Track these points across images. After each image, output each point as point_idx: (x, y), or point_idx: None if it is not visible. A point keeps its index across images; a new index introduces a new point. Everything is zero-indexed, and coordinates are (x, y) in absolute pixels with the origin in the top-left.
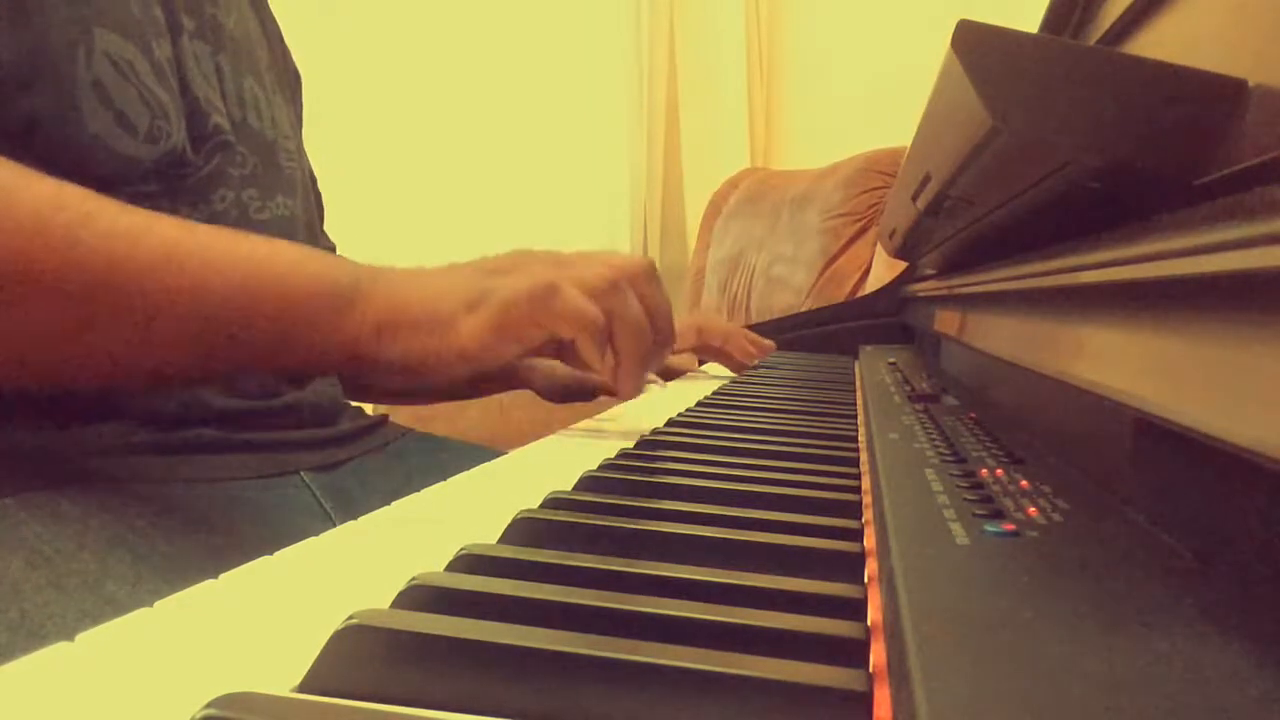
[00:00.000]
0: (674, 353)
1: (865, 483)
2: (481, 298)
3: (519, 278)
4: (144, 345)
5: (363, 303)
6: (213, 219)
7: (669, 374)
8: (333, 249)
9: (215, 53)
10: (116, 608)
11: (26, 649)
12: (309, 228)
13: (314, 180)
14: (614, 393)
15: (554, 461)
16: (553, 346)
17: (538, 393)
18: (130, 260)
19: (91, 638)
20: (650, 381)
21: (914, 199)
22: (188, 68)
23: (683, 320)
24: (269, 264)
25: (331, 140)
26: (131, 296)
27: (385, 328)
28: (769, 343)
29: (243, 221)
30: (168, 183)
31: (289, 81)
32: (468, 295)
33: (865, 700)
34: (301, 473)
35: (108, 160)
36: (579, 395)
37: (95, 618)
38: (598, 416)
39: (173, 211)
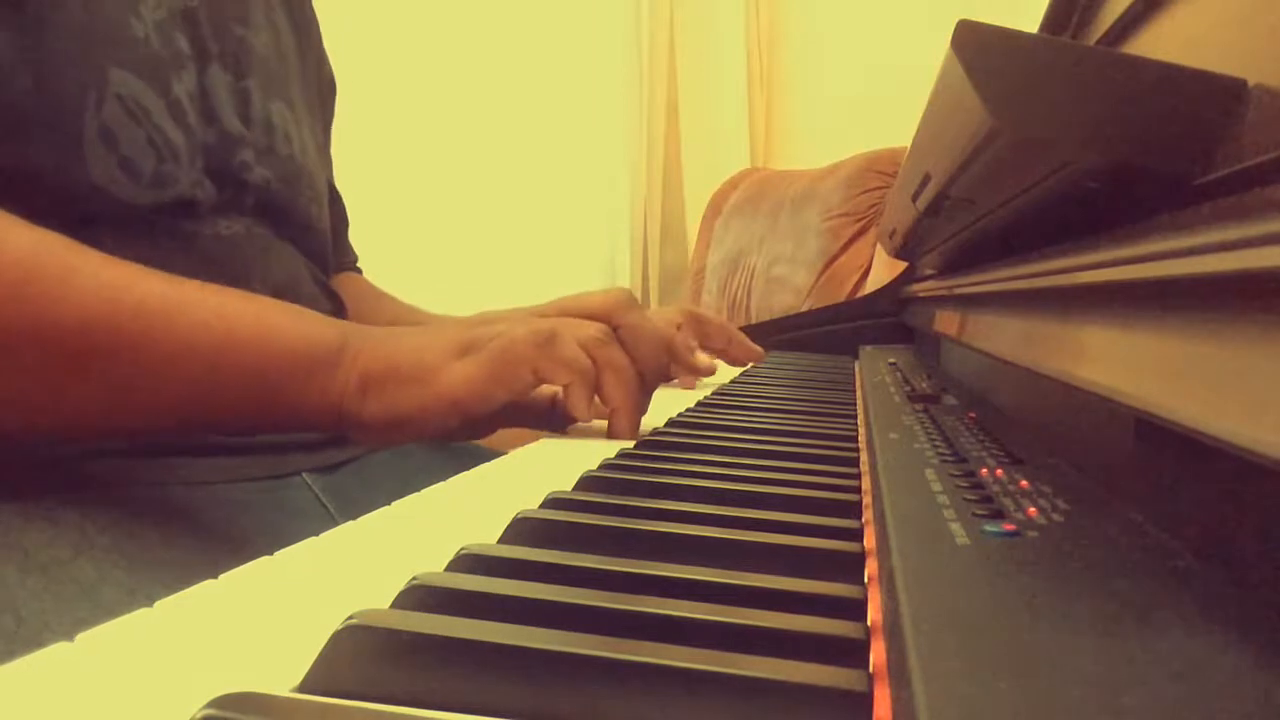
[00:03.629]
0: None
1: (865, 483)
2: (472, 345)
3: (514, 325)
4: (127, 402)
5: (348, 359)
6: (205, 255)
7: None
8: (355, 260)
9: (240, 79)
10: (114, 615)
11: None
12: (319, 259)
13: (336, 195)
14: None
15: (554, 461)
16: (540, 404)
17: (519, 420)
18: (113, 318)
19: (91, 638)
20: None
21: (914, 199)
22: (216, 97)
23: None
24: (257, 322)
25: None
26: (115, 354)
27: (370, 383)
28: (758, 349)
29: (234, 256)
30: (167, 219)
31: (322, 93)
32: (456, 344)
33: (865, 700)
34: (303, 474)
35: (105, 206)
36: (556, 422)
37: (92, 625)
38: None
39: (155, 245)
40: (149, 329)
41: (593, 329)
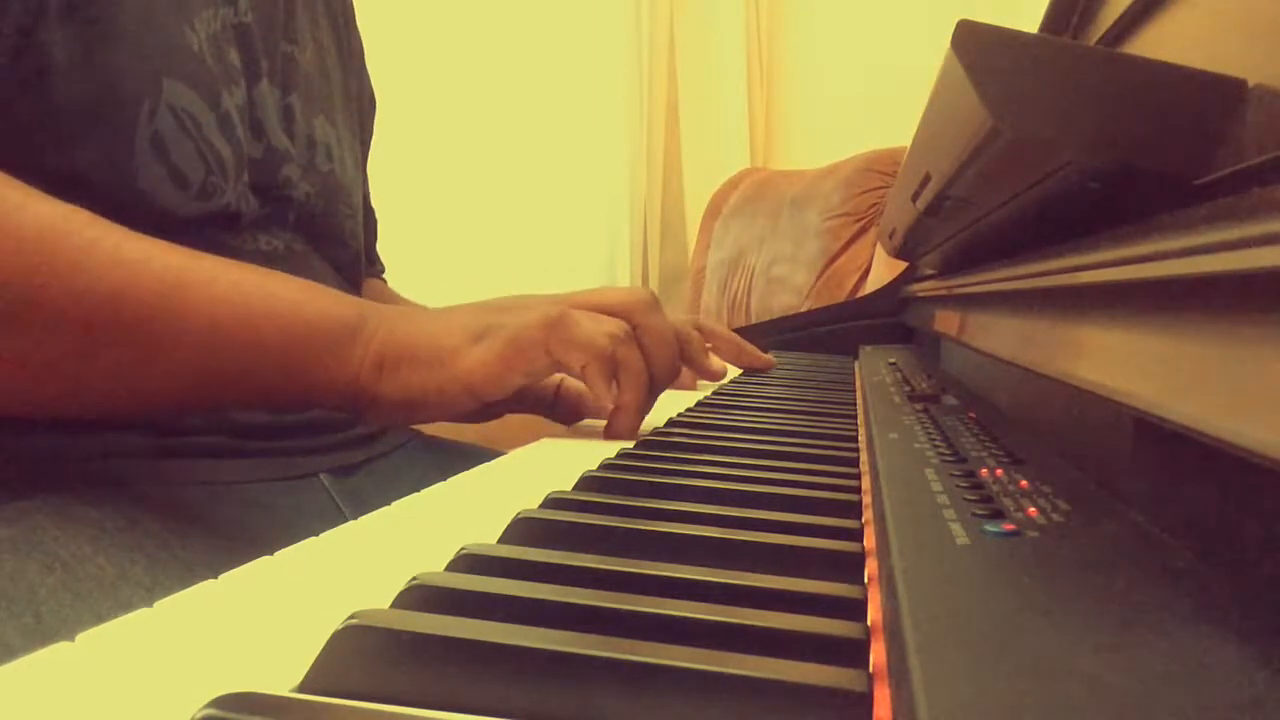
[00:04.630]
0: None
1: (865, 483)
2: (488, 331)
3: (528, 311)
4: (144, 376)
5: (365, 339)
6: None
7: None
8: (382, 270)
9: (286, 94)
10: (132, 611)
11: None
12: (351, 270)
13: (370, 209)
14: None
15: (554, 461)
16: (549, 393)
17: (531, 407)
18: (134, 290)
19: (91, 637)
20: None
21: (914, 199)
22: (265, 112)
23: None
24: (274, 298)
25: None
26: (134, 327)
27: (386, 363)
28: (769, 358)
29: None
30: (211, 230)
31: (362, 109)
32: (472, 329)
33: (865, 700)
34: (319, 475)
35: (151, 215)
36: (566, 414)
37: (108, 622)
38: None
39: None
40: (167, 302)
41: (610, 324)
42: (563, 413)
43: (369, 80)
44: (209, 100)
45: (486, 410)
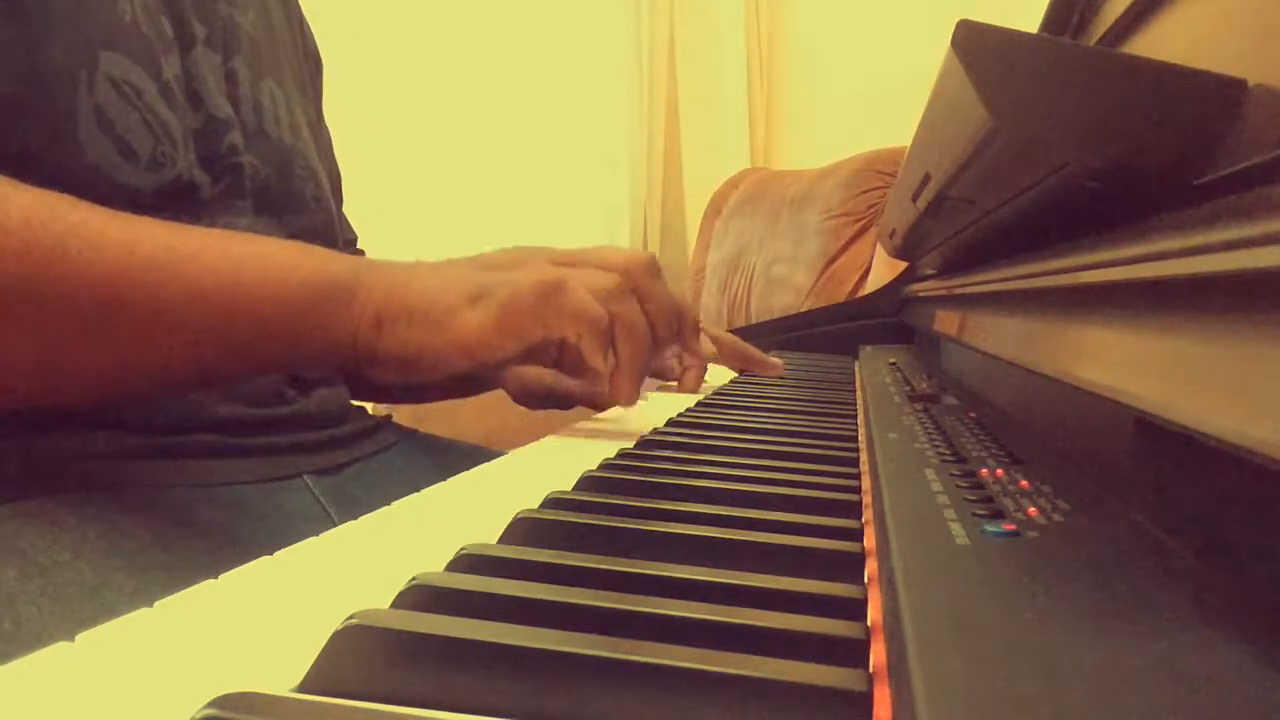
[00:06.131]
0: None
1: (865, 483)
2: (484, 292)
3: (524, 274)
4: (141, 355)
5: (363, 295)
6: None
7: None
8: (354, 240)
9: (228, 59)
10: (114, 617)
11: None
12: (324, 237)
13: (336, 174)
14: (596, 405)
15: (554, 461)
16: (552, 350)
17: (511, 395)
18: (123, 269)
19: (91, 637)
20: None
21: (914, 199)
22: (201, 81)
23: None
24: (265, 265)
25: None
26: (126, 307)
27: (384, 320)
28: (776, 362)
29: None
30: (171, 211)
31: (310, 70)
32: (470, 290)
33: (865, 700)
34: (304, 476)
35: (105, 189)
36: (555, 403)
37: (91, 628)
38: (597, 416)
39: None
40: (159, 282)
41: (607, 279)
42: (569, 367)
43: (312, 36)
44: (150, 70)
45: (486, 373)
